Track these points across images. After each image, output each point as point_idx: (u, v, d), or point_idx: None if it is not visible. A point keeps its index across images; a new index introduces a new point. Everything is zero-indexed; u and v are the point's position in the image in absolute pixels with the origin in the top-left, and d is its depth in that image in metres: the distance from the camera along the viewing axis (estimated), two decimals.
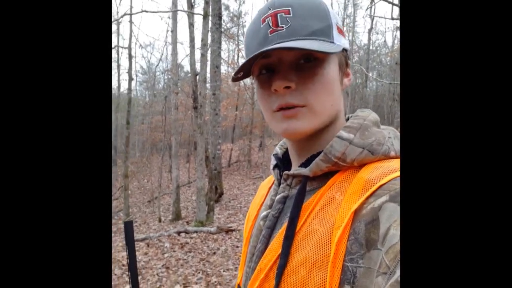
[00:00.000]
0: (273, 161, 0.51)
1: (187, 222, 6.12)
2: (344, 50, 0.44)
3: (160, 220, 6.54)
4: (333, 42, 0.41)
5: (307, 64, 0.40)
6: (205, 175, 6.27)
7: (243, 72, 0.43)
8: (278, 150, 0.53)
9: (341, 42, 0.42)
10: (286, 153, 0.52)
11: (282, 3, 0.41)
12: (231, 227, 5.08)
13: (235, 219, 5.97)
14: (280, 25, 0.40)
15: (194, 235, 4.89)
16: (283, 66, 0.41)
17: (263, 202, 0.52)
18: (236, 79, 0.45)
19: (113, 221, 7.03)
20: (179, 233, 5.02)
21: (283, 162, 0.50)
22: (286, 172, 0.45)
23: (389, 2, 1.58)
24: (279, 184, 0.46)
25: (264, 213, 0.47)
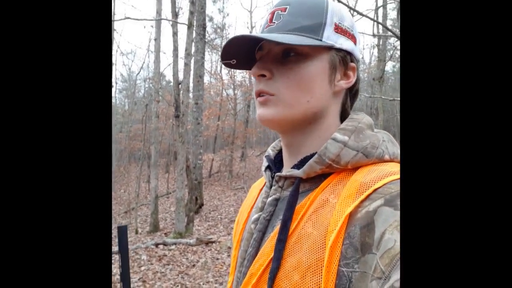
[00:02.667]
0: (265, 163, 0.50)
1: (165, 233, 5.94)
2: (344, 51, 0.43)
3: (137, 232, 6.31)
4: (319, 39, 0.41)
5: (288, 58, 0.42)
6: (185, 185, 6.15)
7: (236, 60, 0.45)
8: (270, 151, 0.52)
9: (336, 41, 0.42)
10: (278, 155, 0.52)
11: (283, 1, 0.43)
12: (211, 238, 4.98)
13: (215, 230, 5.86)
14: (273, 21, 0.43)
15: (173, 247, 4.75)
16: (267, 57, 0.43)
17: (253, 205, 0.51)
18: (228, 65, 0.47)
19: None
20: (157, 245, 4.86)
21: (275, 164, 0.50)
22: (278, 173, 0.44)
23: (371, 19, 1.66)
24: (271, 186, 0.46)
25: (255, 216, 0.45)
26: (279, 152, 0.52)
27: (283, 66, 0.42)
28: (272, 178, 0.46)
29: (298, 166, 0.44)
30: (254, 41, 0.43)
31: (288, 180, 0.44)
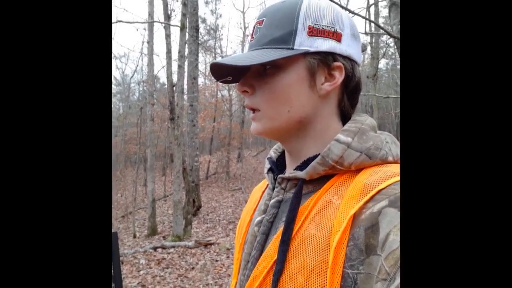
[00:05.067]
0: (267, 165, 0.50)
1: (163, 237, 5.90)
2: (322, 53, 0.41)
3: (135, 236, 6.26)
4: (291, 48, 0.40)
5: (266, 72, 0.42)
6: (182, 187, 6.13)
7: (231, 76, 0.45)
8: (272, 153, 0.52)
9: (312, 45, 0.40)
10: (280, 157, 0.52)
11: (262, 13, 0.44)
12: (209, 240, 4.97)
13: (214, 232, 5.84)
14: (253, 36, 0.44)
15: (171, 250, 4.72)
16: (250, 72, 0.44)
17: (256, 208, 0.51)
18: (225, 82, 0.47)
19: None
20: (155, 248, 4.83)
21: (277, 166, 0.49)
22: (280, 175, 0.44)
23: (363, 17, 1.66)
24: (273, 188, 0.46)
25: (258, 218, 0.45)
26: (281, 154, 0.52)
27: (262, 80, 0.43)
28: (275, 180, 0.46)
29: (301, 167, 0.44)
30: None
31: (291, 181, 0.44)
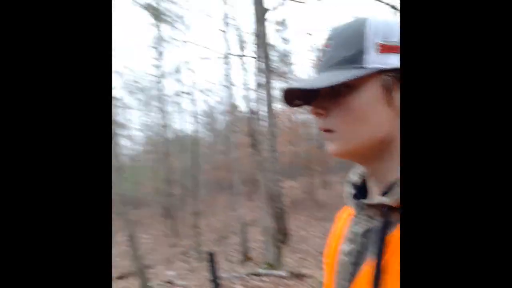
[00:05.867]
0: (349, 190, 0.47)
1: (255, 263, 5.94)
2: (397, 68, 0.39)
3: (228, 260, 6.48)
4: (362, 67, 0.39)
5: (340, 93, 0.41)
6: (270, 214, 6.14)
7: (302, 100, 0.46)
8: (353, 177, 0.49)
9: (385, 62, 0.40)
10: (361, 180, 0.48)
11: (328, 36, 0.44)
12: (303, 272, 4.74)
13: (306, 263, 5.60)
14: (321, 59, 0.44)
15: (265, 278, 4.68)
16: (321, 93, 0.43)
17: (342, 235, 0.48)
18: (296, 105, 0.47)
19: (185, 259, 7.21)
20: (249, 275, 4.86)
21: (360, 190, 0.47)
22: (366, 202, 0.42)
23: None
24: (358, 215, 0.43)
25: (346, 248, 0.44)
26: (363, 177, 0.48)
27: (336, 101, 0.42)
28: (359, 206, 0.43)
29: (387, 192, 0.40)
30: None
31: (377, 208, 0.40)
